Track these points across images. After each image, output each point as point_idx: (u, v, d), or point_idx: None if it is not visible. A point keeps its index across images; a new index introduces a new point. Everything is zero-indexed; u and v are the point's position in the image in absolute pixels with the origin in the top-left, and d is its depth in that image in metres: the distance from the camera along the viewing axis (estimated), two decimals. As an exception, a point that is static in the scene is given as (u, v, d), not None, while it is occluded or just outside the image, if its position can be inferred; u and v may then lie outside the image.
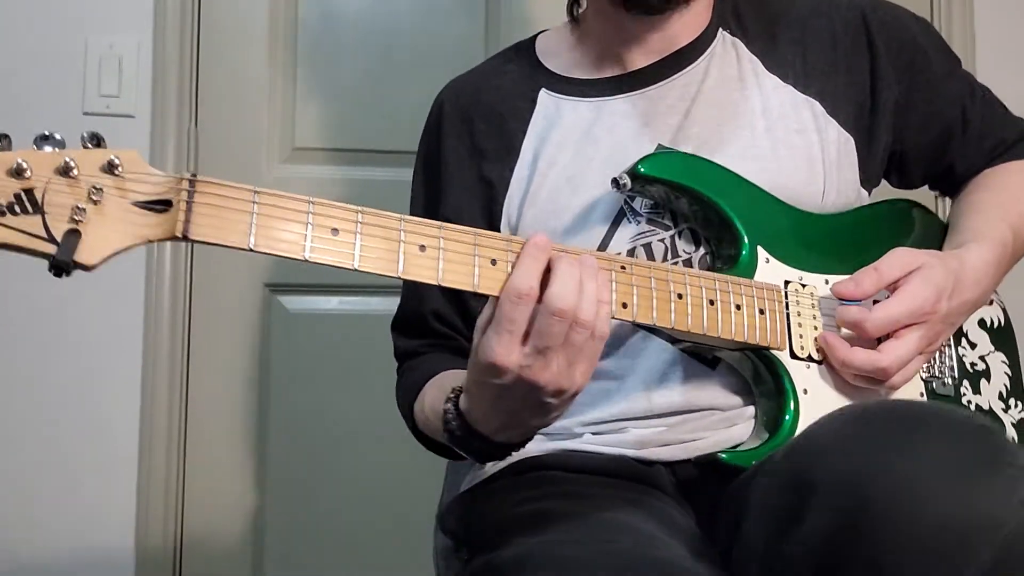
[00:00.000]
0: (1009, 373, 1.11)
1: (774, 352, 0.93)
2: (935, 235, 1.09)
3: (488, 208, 1.08)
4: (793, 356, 0.93)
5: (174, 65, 1.73)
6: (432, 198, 1.12)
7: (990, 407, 1.07)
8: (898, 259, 0.94)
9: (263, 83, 1.79)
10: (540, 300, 0.74)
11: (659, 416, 0.98)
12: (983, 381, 1.07)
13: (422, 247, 0.76)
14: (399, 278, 0.76)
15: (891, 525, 0.66)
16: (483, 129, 1.10)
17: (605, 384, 0.99)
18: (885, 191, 1.13)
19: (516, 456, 0.99)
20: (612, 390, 0.99)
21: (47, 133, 0.66)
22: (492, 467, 1.03)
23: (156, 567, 1.71)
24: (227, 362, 1.77)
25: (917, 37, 1.09)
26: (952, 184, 1.16)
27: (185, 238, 0.68)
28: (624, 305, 0.83)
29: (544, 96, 1.09)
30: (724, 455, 0.91)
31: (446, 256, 0.76)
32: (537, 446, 1.00)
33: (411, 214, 1.07)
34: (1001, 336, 1.11)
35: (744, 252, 0.95)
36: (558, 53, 1.13)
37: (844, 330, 0.94)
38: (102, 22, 1.73)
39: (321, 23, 1.82)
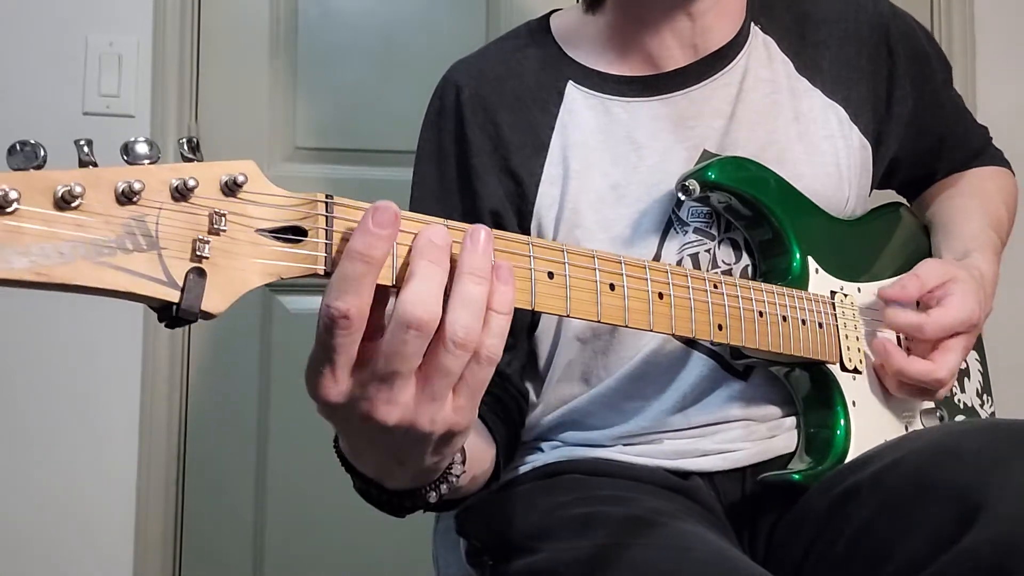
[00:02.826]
0: (982, 371, 1.13)
1: (827, 365, 0.92)
2: (921, 236, 1.11)
3: (517, 205, 0.99)
4: (843, 368, 0.93)
5: (174, 65, 1.73)
6: (455, 189, 1.01)
7: (972, 404, 1.08)
8: (935, 269, 0.95)
9: (263, 83, 1.79)
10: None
11: (695, 428, 0.95)
12: (966, 380, 1.09)
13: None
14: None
15: None
16: (508, 119, 1.00)
17: (639, 403, 0.96)
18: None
19: (541, 460, 0.99)
20: (646, 407, 0.96)
21: (130, 141, 0.50)
22: (511, 471, 1.00)
23: (156, 568, 1.71)
24: (227, 362, 1.77)
25: (926, 47, 1.10)
26: (921, 189, 1.18)
27: (327, 275, 0.56)
28: (720, 327, 0.79)
29: (572, 89, 1.01)
30: (797, 476, 0.90)
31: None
32: (563, 453, 0.99)
33: (416, 203, 1.03)
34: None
35: (796, 264, 0.95)
36: (579, 41, 1.04)
37: (886, 332, 0.94)
38: (102, 21, 1.72)
39: (321, 23, 1.81)
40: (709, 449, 0.95)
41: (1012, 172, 1.20)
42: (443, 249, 0.57)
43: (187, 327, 1.73)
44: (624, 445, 0.97)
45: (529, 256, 0.64)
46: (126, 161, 0.50)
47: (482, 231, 0.59)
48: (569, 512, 0.86)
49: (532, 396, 1.02)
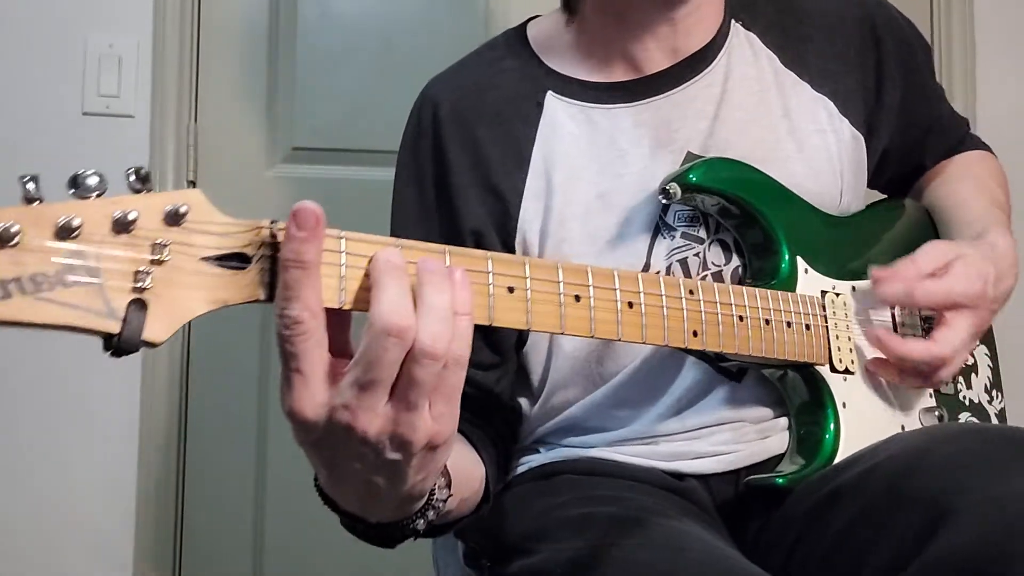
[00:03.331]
0: (991, 365, 1.11)
1: (816, 367, 0.91)
2: (927, 229, 1.09)
3: (500, 222, 0.97)
4: (832, 369, 0.92)
5: (174, 65, 1.73)
6: (435, 210, 0.99)
7: (979, 400, 1.07)
8: (935, 249, 0.92)
9: (263, 83, 1.79)
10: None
11: (689, 431, 0.95)
12: (973, 375, 1.07)
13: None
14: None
15: None
16: (487, 134, 0.98)
17: (634, 408, 0.96)
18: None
19: (537, 461, 0.99)
20: (642, 412, 0.96)
21: (80, 173, 0.51)
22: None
23: (156, 568, 1.71)
24: (227, 362, 1.77)
25: (910, 37, 1.10)
26: (909, 184, 1.16)
27: (269, 300, 0.56)
28: (695, 333, 0.79)
29: (552, 100, 0.99)
30: (781, 480, 0.89)
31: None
32: (559, 453, 0.99)
33: (396, 226, 1.01)
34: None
35: (785, 264, 0.93)
36: (557, 49, 1.03)
37: (880, 323, 0.91)
38: (101, 22, 1.72)
39: (320, 24, 1.81)
40: (703, 451, 0.94)
41: (995, 155, 1.19)
42: (401, 268, 0.58)
43: (186, 328, 1.74)
44: (620, 448, 0.97)
45: (488, 272, 0.64)
46: (73, 194, 0.50)
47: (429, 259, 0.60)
48: (566, 513, 0.85)
49: (526, 408, 1.01)
